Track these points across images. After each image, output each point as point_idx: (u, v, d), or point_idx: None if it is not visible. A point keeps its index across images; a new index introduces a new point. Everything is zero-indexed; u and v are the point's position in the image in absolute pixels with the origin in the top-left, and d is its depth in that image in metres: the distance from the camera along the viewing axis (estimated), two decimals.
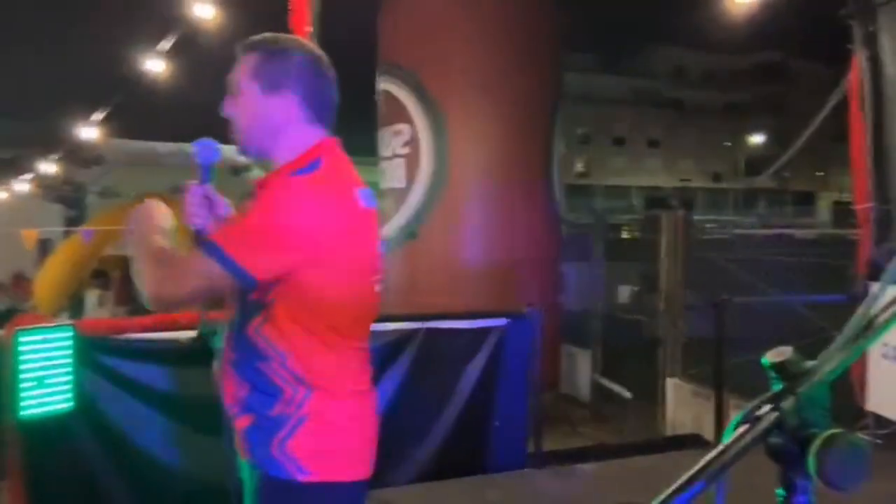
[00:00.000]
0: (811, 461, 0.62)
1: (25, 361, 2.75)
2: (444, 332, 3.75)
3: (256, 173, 1.55)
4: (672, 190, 44.08)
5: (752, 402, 0.68)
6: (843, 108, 4.50)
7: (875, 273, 4.03)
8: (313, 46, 1.59)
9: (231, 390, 1.46)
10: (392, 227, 6.39)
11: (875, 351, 3.69)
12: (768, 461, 0.67)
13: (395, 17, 6.78)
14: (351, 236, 1.42)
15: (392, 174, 6.64)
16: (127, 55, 8.43)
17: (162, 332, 3.09)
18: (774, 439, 0.65)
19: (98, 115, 10.52)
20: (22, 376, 2.73)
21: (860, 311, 0.70)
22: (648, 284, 6.46)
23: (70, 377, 2.86)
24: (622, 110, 44.46)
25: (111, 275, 7.98)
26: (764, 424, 0.64)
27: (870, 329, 0.69)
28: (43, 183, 13.57)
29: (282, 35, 1.54)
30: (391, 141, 6.63)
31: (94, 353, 2.99)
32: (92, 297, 8.06)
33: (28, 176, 14.21)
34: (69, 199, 12.97)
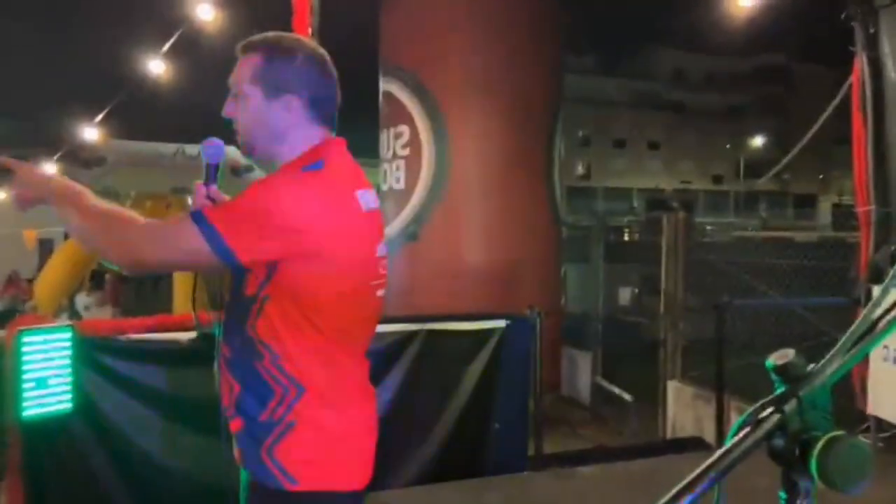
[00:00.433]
0: (813, 464, 0.62)
1: (27, 362, 2.75)
2: (444, 333, 3.75)
3: (258, 174, 1.57)
4: (673, 192, 44.08)
5: (755, 405, 0.68)
6: (844, 110, 4.50)
7: (876, 276, 4.02)
8: (316, 45, 1.55)
9: (226, 389, 1.45)
10: (393, 228, 6.39)
11: (877, 354, 3.68)
12: (771, 463, 0.67)
13: (396, 19, 6.78)
14: (348, 237, 1.38)
15: (393, 175, 6.64)
16: (129, 56, 8.45)
17: (162, 333, 3.09)
18: (777, 442, 0.65)
19: (99, 116, 10.53)
20: (24, 377, 2.73)
21: (862, 314, 0.70)
22: (649, 286, 6.46)
23: (70, 378, 2.86)
24: (623, 112, 44.45)
25: (106, 276, 7.98)
26: (766, 427, 0.64)
27: (872, 332, 0.69)
28: None
29: (284, 34, 1.51)
30: (392, 142, 6.64)
31: (94, 353, 2.99)
32: (82, 298, 8.06)
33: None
34: None
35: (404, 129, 6.47)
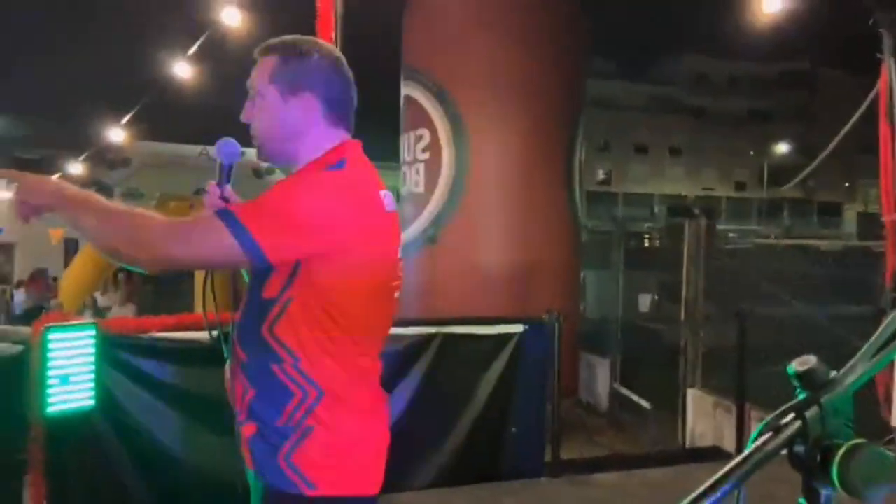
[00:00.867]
0: (835, 471, 0.61)
1: (52, 359, 2.79)
2: (462, 337, 3.75)
3: (279, 176, 1.58)
4: (695, 199, 43.68)
5: (776, 411, 0.67)
6: (871, 117, 4.44)
7: None
8: (332, 47, 1.55)
9: (239, 393, 1.42)
10: (412, 231, 6.41)
11: None
12: (791, 471, 0.67)
13: (418, 24, 6.81)
14: (373, 238, 1.38)
15: (412, 179, 6.66)
16: (155, 58, 8.57)
17: (183, 332, 3.13)
18: (798, 448, 0.64)
19: (125, 118, 10.69)
20: (48, 373, 2.78)
21: (886, 322, 0.69)
22: (669, 293, 6.40)
23: (93, 375, 2.90)
24: (644, 117, 44.18)
25: (119, 275, 8.07)
26: (787, 433, 0.63)
27: (895, 340, 0.68)
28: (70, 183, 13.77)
29: (300, 37, 1.50)
30: (412, 146, 6.66)
31: (116, 351, 3.03)
32: (101, 297, 8.16)
33: (55, 176, 14.48)
34: None
35: (424, 132, 6.49)
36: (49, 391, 2.79)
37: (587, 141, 7.27)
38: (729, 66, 45.89)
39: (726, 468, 0.61)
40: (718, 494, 0.60)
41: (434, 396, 3.59)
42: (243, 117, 1.47)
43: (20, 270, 11.29)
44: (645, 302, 7.62)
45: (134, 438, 3.05)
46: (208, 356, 3.04)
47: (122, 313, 7.37)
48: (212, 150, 1.62)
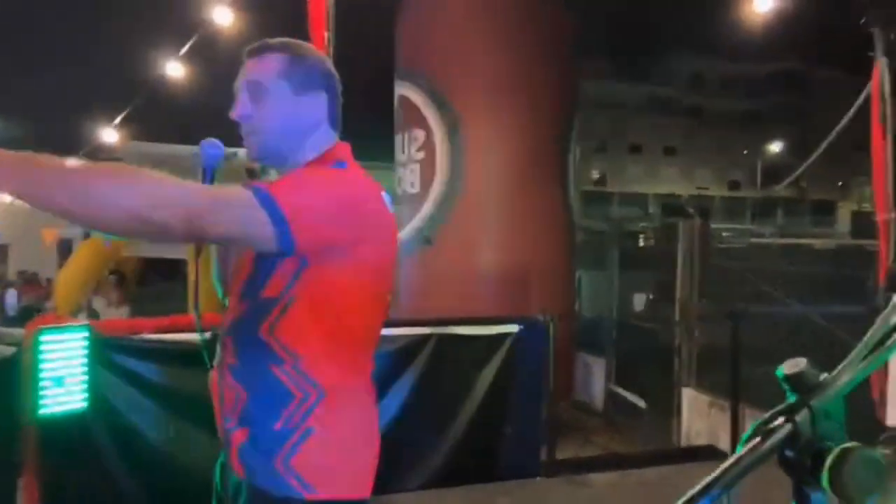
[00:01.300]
0: (825, 475, 0.61)
1: (45, 360, 2.78)
2: (457, 337, 3.75)
3: (275, 175, 1.56)
4: (689, 198, 43.79)
5: (766, 414, 0.67)
6: (864, 116, 4.45)
7: (895, 284, 3.97)
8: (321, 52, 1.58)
9: (230, 399, 1.38)
10: (407, 232, 6.40)
11: None
12: (782, 474, 0.66)
13: (411, 23, 6.80)
14: (380, 236, 1.38)
15: (407, 179, 6.65)
16: (147, 58, 8.54)
17: (177, 334, 3.11)
18: (788, 452, 0.64)
19: (118, 119, 10.66)
20: (41, 375, 2.77)
21: (879, 322, 0.69)
22: (664, 293, 6.41)
23: (86, 376, 2.89)
24: (639, 117, 44.28)
25: (110, 276, 8.04)
26: (777, 437, 0.63)
27: (889, 340, 0.68)
28: None
29: (293, 39, 1.51)
30: (407, 146, 6.65)
31: (109, 352, 3.02)
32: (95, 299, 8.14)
33: None
34: None
35: (419, 132, 6.48)
36: (42, 393, 2.78)
37: (582, 141, 7.28)
38: (723, 66, 45.99)
39: (715, 474, 0.61)
40: (708, 499, 0.60)
41: (429, 397, 3.58)
42: (236, 113, 1.43)
43: (13, 272, 11.24)
44: (640, 301, 7.62)
45: (127, 440, 3.04)
46: (202, 358, 3.04)
47: (116, 315, 7.34)
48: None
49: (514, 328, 3.84)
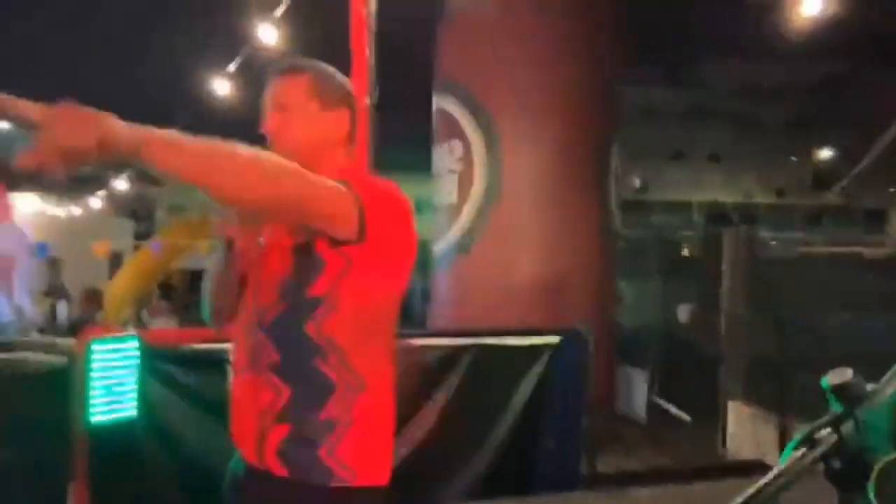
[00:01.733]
0: (871, 486, 0.60)
1: (96, 370, 2.87)
2: (495, 348, 3.73)
3: None
4: (734, 205, 42.89)
5: (811, 425, 0.66)
6: None
7: None
8: None
9: (267, 398, 1.42)
10: (445, 241, 6.42)
11: None
12: (828, 485, 0.65)
13: (452, 36, 6.85)
14: (412, 241, 1.50)
15: (445, 189, 6.69)
16: (195, 75, 8.79)
17: (224, 344, 3.18)
18: (833, 463, 0.62)
19: None
20: (93, 384, 2.86)
21: None
22: (709, 303, 6.29)
23: (135, 386, 2.97)
24: (681, 123, 43.61)
25: (158, 291, 8.25)
26: (822, 448, 0.62)
27: None
28: (115, 199, 14.18)
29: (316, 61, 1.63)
30: (445, 157, 6.69)
31: (157, 362, 3.10)
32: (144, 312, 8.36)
33: (101, 192, 14.91)
34: (139, 214, 13.53)
35: (457, 143, 6.51)
36: (93, 402, 2.86)
37: (624, 148, 7.20)
38: (769, 71, 45.04)
39: (759, 484, 0.60)
40: None
41: (467, 408, 3.57)
42: (266, 128, 1.53)
43: (73, 288, 11.62)
44: (684, 312, 7.49)
45: (175, 448, 3.11)
46: None
47: (164, 326, 7.53)
48: None
49: (553, 339, 3.81)
